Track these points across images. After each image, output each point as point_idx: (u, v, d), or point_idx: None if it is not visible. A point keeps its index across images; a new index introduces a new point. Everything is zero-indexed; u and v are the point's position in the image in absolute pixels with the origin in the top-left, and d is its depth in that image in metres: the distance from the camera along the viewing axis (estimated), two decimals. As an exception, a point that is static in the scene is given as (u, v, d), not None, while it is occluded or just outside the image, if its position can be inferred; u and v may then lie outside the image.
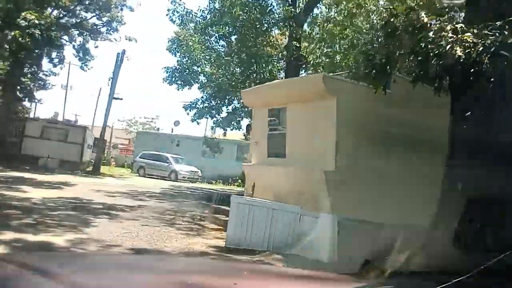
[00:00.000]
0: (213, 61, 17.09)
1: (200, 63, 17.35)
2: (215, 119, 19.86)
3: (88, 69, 30.54)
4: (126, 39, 30.60)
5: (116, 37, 30.38)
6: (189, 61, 18.44)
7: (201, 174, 30.16)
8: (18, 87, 27.89)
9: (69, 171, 25.22)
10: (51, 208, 10.70)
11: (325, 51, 17.39)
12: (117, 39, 30.04)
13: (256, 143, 9.23)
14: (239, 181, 29.97)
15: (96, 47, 33.50)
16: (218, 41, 19.41)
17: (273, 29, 18.72)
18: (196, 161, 30.82)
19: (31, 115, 38.89)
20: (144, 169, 30.42)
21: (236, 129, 20.78)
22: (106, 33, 30.04)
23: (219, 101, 18.09)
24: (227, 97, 17.73)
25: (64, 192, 14.39)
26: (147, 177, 29.25)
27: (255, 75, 17.93)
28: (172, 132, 40.01)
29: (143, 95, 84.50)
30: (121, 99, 28.48)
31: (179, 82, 19.44)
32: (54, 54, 25.76)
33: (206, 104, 19.25)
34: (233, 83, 17.38)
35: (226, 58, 17.16)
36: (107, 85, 28.78)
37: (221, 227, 10.14)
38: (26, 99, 29.04)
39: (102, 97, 41.78)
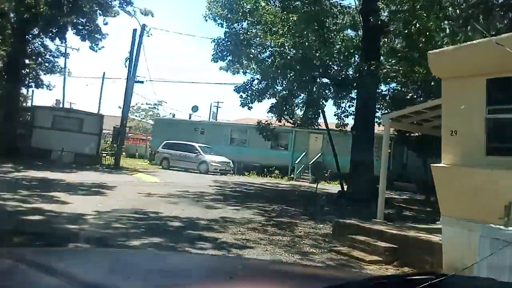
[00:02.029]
0: (290, 26, 13.38)
1: (273, 30, 13.69)
2: (272, 102, 16.56)
3: (99, 49, 26.70)
4: (142, 13, 26.82)
5: (130, 10, 26.40)
6: (246, 30, 14.93)
7: (232, 165, 26.87)
8: (23, 71, 24.21)
9: (88, 166, 21.96)
10: (123, 231, 7.45)
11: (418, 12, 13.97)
12: (131, 13, 25.98)
13: (454, 133, 5.98)
14: (276, 172, 26.78)
15: (106, 23, 29.60)
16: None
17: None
18: (224, 151, 27.48)
19: (28, 103, 35.02)
20: (168, 161, 27.03)
21: (290, 116, 17.41)
22: (118, 6, 26.16)
23: (298, 82, 14.36)
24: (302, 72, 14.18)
25: (112, 200, 11.11)
26: (172, 169, 25.97)
27: (324, 46, 14.52)
28: (189, 118, 36.50)
29: (153, 79, 79.72)
30: (142, 82, 24.95)
31: (229, 58, 16.02)
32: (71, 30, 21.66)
33: (264, 85, 15.89)
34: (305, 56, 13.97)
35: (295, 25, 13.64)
36: (124, 66, 25.22)
37: (381, 259, 6.98)
38: (33, 84, 25.21)
39: (106, 82, 38.26)
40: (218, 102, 48.98)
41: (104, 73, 43.70)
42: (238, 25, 15.84)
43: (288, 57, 13.44)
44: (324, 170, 15.84)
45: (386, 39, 15.79)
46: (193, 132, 30.74)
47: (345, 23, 15.41)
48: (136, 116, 62.65)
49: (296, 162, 26.13)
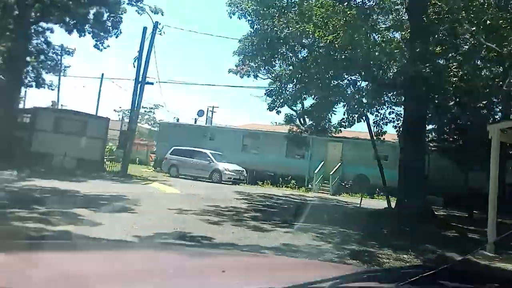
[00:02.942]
0: (347, 20, 11.67)
1: (327, 25, 12.02)
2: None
3: (104, 48, 25.00)
4: (152, 11, 25.15)
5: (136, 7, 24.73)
6: (281, 27, 13.33)
7: (246, 174, 25.24)
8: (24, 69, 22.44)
9: (93, 173, 20.22)
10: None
11: None
12: (144, 9, 24.33)
13: None
14: (293, 182, 25.11)
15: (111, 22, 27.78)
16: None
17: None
18: (235, 158, 25.81)
19: (21, 105, 32.92)
20: (177, 168, 25.33)
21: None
22: (128, 3, 24.50)
23: (338, 85, 12.84)
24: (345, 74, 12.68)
25: (145, 218, 9.48)
26: (181, 177, 24.24)
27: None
28: (195, 123, 34.85)
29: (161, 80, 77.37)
30: (152, 83, 23.29)
31: (262, 58, 14.47)
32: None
33: (299, 87, 14.35)
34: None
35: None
36: (133, 66, 23.53)
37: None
38: (33, 83, 23.41)
39: (105, 83, 36.26)
40: (213, 107, 47.35)
41: (102, 74, 41.94)
42: (271, 21, 14.25)
43: (340, 57, 11.88)
44: (368, 183, 14.34)
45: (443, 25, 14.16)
46: (201, 137, 29.06)
47: (392, 22, 13.95)
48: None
49: (315, 172, 24.51)
